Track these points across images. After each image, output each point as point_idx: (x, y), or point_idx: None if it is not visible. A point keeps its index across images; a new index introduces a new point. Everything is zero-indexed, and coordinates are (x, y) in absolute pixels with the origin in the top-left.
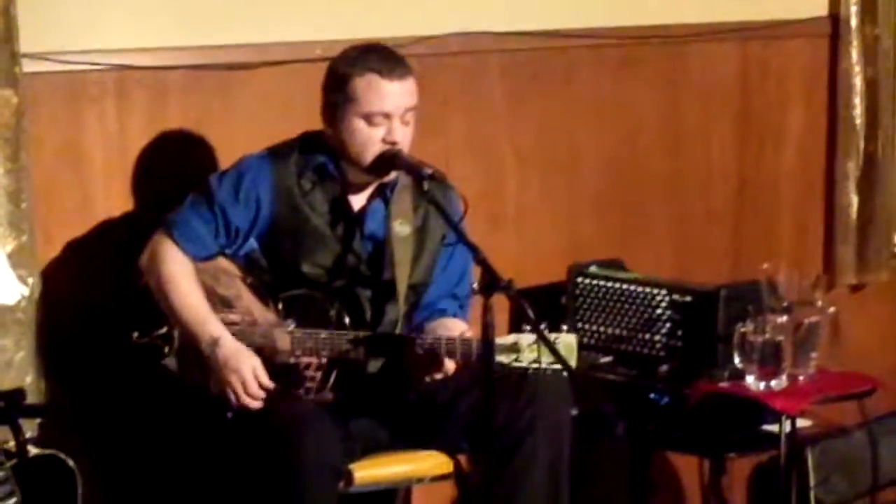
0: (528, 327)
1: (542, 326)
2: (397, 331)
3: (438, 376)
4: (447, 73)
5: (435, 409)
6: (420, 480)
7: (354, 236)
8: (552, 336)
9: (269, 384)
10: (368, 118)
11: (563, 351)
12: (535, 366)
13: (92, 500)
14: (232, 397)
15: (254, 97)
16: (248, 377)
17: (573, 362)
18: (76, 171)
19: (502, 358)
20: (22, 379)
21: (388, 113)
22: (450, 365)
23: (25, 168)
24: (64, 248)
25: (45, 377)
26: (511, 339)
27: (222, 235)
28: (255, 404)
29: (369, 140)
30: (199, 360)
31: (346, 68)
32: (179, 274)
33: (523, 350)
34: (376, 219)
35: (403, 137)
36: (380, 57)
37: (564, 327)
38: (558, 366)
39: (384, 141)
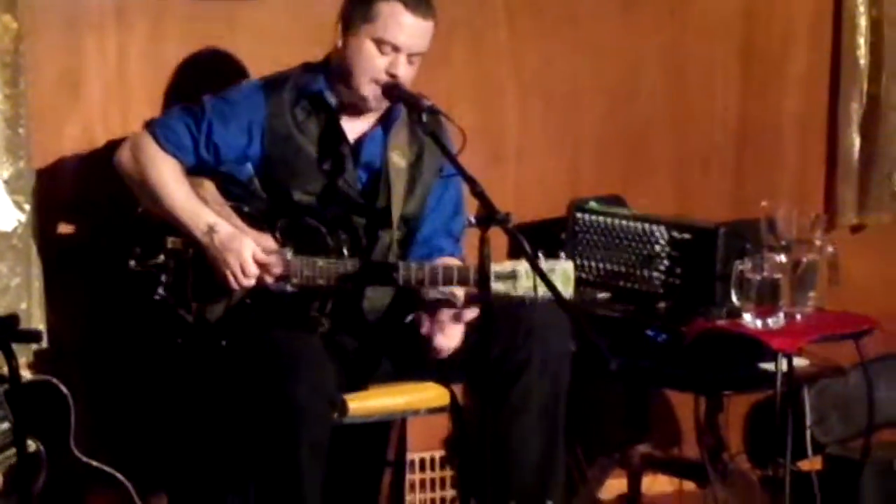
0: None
1: (539, 254)
2: (391, 258)
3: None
4: (450, 7)
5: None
6: (416, 412)
7: (348, 164)
8: (549, 263)
9: (267, 259)
10: (379, 44)
11: (559, 278)
12: (532, 294)
13: (85, 426)
14: (230, 278)
15: (256, 26)
16: (246, 256)
17: (570, 290)
18: (75, 98)
19: (499, 286)
20: (17, 305)
21: (399, 46)
22: (452, 342)
23: (24, 94)
24: (61, 175)
25: (41, 303)
26: (509, 266)
27: (203, 150)
28: (250, 283)
29: (372, 64)
30: (194, 285)
31: None
32: (167, 170)
33: (521, 278)
34: (374, 147)
35: (406, 76)
36: None
37: (562, 254)
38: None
39: (386, 72)
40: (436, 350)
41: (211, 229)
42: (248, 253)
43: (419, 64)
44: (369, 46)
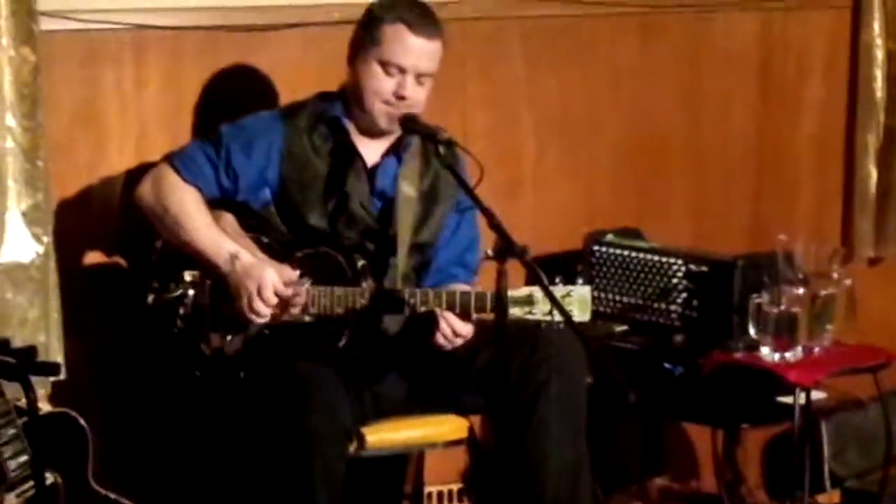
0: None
1: (557, 280)
2: (399, 284)
3: (458, 341)
4: (467, 39)
5: (450, 367)
6: (433, 445)
7: (363, 187)
8: (566, 288)
9: (287, 292)
10: (385, 65)
11: (576, 303)
12: (549, 318)
13: (103, 458)
14: (247, 306)
15: (270, 59)
16: (267, 285)
17: (587, 314)
18: (92, 131)
19: (516, 310)
20: (35, 337)
21: (405, 67)
22: (467, 329)
23: (42, 126)
24: (79, 207)
25: (59, 336)
26: (525, 291)
27: (223, 177)
28: (267, 311)
29: (380, 87)
30: (212, 318)
31: (382, 12)
32: (189, 200)
33: (537, 303)
34: (387, 175)
35: (415, 97)
36: (416, 12)
37: (580, 280)
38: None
39: (395, 94)
40: (452, 334)
41: (233, 257)
42: (268, 282)
43: (431, 84)
44: (376, 69)
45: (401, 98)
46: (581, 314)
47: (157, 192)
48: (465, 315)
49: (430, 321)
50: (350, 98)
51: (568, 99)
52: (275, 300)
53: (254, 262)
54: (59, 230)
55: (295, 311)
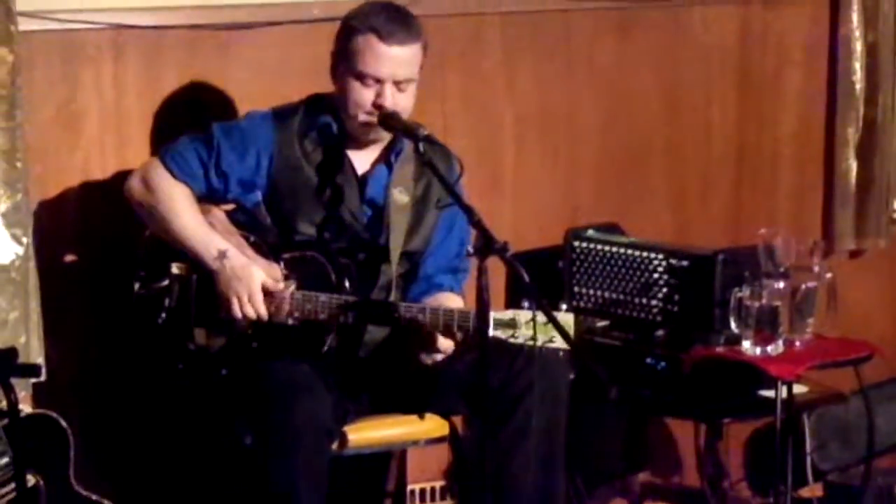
0: (526, 304)
1: (543, 303)
2: (392, 295)
3: (438, 357)
4: (444, 36)
5: (431, 373)
6: (415, 443)
7: (352, 196)
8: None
9: (277, 287)
10: (360, 78)
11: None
12: (531, 343)
13: (84, 460)
14: (235, 306)
15: (251, 58)
16: (255, 288)
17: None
18: (71, 131)
19: (499, 333)
20: (15, 339)
21: (380, 77)
22: (448, 344)
23: (20, 127)
24: (59, 208)
25: (39, 337)
26: (508, 314)
27: (213, 176)
28: (254, 316)
29: (360, 99)
30: (197, 312)
31: (353, 22)
32: (178, 196)
33: (520, 326)
34: (378, 184)
35: (397, 103)
36: (386, 18)
37: (563, 306)
38: (554, 344)
39: (374, 105)
40: (435, 350)
41: (222, 255)
42: (256, 284)
43: (414, 87)
44: (353, 82)
45: (379, 107)
46: (564, 340)
47: (146, 187)
48: (447, 332)
49: (412, 331)
50: (338, 105)
51: (547, 94)
52: (261, 302)
53: (243, 261)
54: (39, 231)
55: (282, 313)
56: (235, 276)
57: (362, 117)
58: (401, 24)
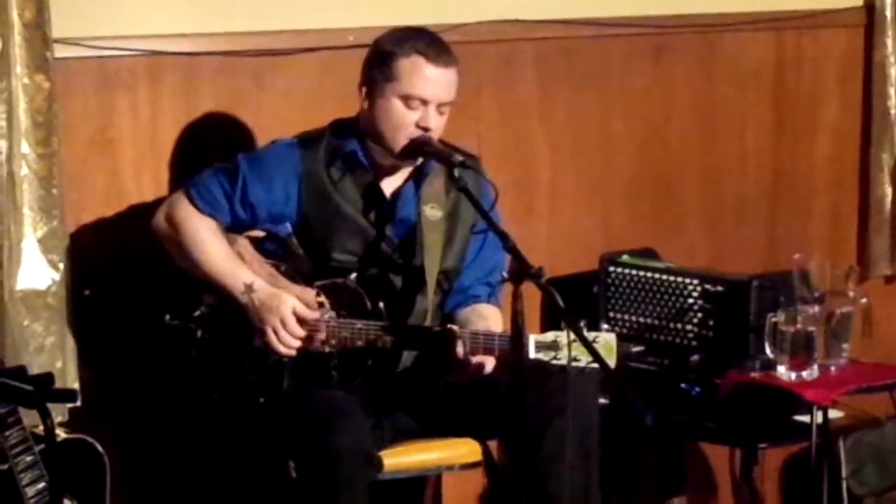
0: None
1: (582, 324)
2: (427, 321)
3: (478, 375)
4: (480, 62)
5: (464, 396)
6: (450, 468)
7: (386, 222)
8: (592, 334)
9: (313, 315)
10: (406, 100)
11: (602, 349)
12: (574, 364)
13: (120, 484)
14: (272, 338)
15: (285, 84)
16: (288, 315)
17: (613, 360)
18: (107, 157)
19: (541, 355)
20: (52, 364)
21: (427, 99)
22: (490, 362)
23: (57, 153)
24: (94, 234)
25: (75, 362)
26: (550, 336)
27: (238, 208)
28: (295, 344)
29: (403, 121)
30: (231, 342)
31: (393, 46)
32: (204, 230)
33: (562, 348)
34: (408, 203)
35: (436, 126)
36: (428, 41)
37: (605, 326)
38: (596, 365)
39: (417, 125)
40: (474, 368)
41: (249, 288)
42: (288, 310)
43: (449, 112)
44: (397, 104)
45: (425, 129)
46: (607, 360)
47: (172, 223)
48: (488, 351)
49: (448, 352)
50: (366, 133)
51: (582, 120)
52: (300, 332)
53: (270, 291)
54: (75, 257)
55: (317, 343)
56: (265, 307)
57: (403, 142)
58: (442, 47)
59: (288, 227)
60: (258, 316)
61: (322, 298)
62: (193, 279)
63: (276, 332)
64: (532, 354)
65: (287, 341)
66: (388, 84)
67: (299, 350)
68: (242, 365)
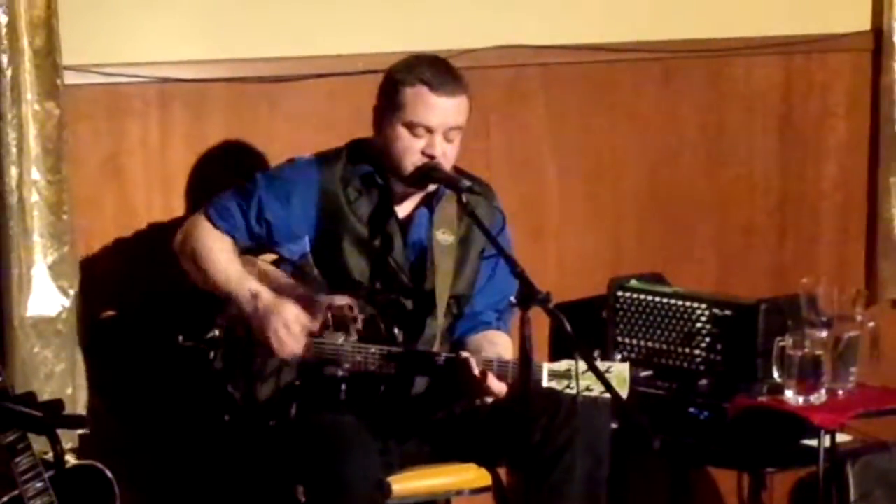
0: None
1: (595, 354)
2: (436, 345)
3: (489, 400)
4: (489, 87)
5: (474, 423)
6: (459, 493)
7: (398, 245)
8: (605, 364)
9: (313, 326)
10: (411, 127)
11: (615, 380)
12: (587, 393)
13: None
14: (274, 341)
15: (295, 111)
16: (290, 318)
17: (625, 392)
18: (117, 184)
19: (554, 384)
20: (62, 390)
21: (431, 127)
22: (502, 388)
23: (67, 180)
24: (105, 261)
25: (85, 388)
26: (564, 365)
27: (255, 226)
28: (298, 348)
29: (409, 149)
30: (244, 363)
31: (400, 75)
32: (218, 246)
33: (575, 377)
34: (421, 227)
35: (445, 153)
36: (435, 70)
37: (618, 356)
38: (608, 395)
39: (423, 153)
40: (487, 391)
41: (255, 296)
42: (290, 314)
43: (460, 136)
44: (403, 132)
45: (430, 157)
46: (620, 390)
47: (188, 240)
48: (501, 378)
49: (462, 379)
50: (381, 158)
51: (590, 144)
52: (302, 335)
53: (275, 299)
54: (85, 283)
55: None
56: (268, 311)
57: (411, 169)
58: (449, 76)
59: (306, 243)
60: (263, 320)
61: (356, 313)
62: (205, 303)
63: (277, 333)
64: (545, 383)
65: (288, 342)
66: (394, 112)
67: (309, 361)
68: (253, 386)
